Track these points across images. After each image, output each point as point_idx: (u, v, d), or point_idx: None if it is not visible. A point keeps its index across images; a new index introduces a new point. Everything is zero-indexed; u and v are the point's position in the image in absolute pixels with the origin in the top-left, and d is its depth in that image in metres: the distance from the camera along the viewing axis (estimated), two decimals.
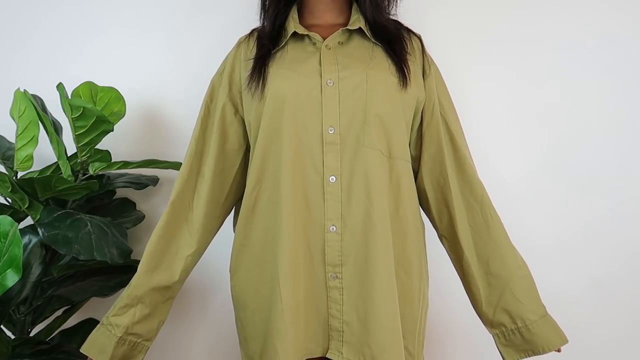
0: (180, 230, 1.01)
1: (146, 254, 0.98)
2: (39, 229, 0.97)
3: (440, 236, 1.06)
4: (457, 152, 1.03)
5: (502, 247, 1.00)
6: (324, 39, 0.98)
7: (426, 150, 1.03)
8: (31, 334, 1.14)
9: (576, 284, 1.34)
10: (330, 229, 0.92)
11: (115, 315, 0.95)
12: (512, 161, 1.36)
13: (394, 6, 1.06)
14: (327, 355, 0.94)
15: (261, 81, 0.96)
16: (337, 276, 0.93)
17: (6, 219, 0.81)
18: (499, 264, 1.00)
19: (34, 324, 1.13)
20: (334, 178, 0.93)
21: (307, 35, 0.98)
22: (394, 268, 0.93)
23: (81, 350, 0.96)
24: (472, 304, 1.03)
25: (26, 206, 1.04)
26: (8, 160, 1.14)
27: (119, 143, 1.28)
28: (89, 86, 1.09)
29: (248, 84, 0.98)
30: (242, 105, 1.02)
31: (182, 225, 1.02)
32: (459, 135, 1.04)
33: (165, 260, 0.99)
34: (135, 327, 0.96)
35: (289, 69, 0.96)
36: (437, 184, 1.03)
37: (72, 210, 1.05)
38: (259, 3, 1.06)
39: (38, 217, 1.00)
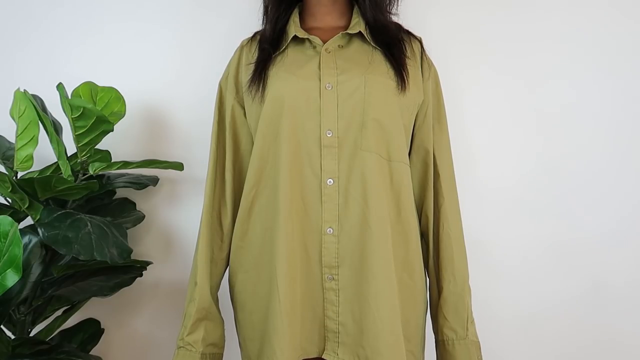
0: (216, 236, 1.04)
1: (200, 266, 1.00)
2: (39, 229, 0.97)
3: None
4: (439, 158, 1.04)
5: (444, 257, 1.02)
6: (325, 42, 0.98)
7: (415, 152, 1.04)
8: (31, 334, 1.14)
9: (576, 287, 1.34)
10: (327, 231, 0.93)
11: (190, 334, 0.97)
12: (510, 161, 1.35)
13: (395, 6, 1.06)
14: (323, 356, 0.94)
15: (261, 84, 0.97)
16: (333, 278, 0.93)
17: (6, 219, 0.81)
18: (439, 273, 1.02)
19: (34, 324, 1.13)
20: (332, 181, 0.93)
21: (307, 38, 0.99)
22: (398, 272, 0.94)
23: None
24: None
25: (26, 206, 1.04)
26: (8, 160, 1.14)
27: (119, 143, 1.28)
28: (89, 86, 1.09)
29: (249, 87, 0.99)
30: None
31: (219, 231, 1.04)
32: (444, 141, 1.06)
33: (213, 268, 1.02)
34: (210, 338, 0.98)
35: (288, 72, 0.96)
36: (421, 186, 1.05)
37: (72, 210, 1.05)
38: (261, 6, 1.06)
39: (38, 217, 1.00)
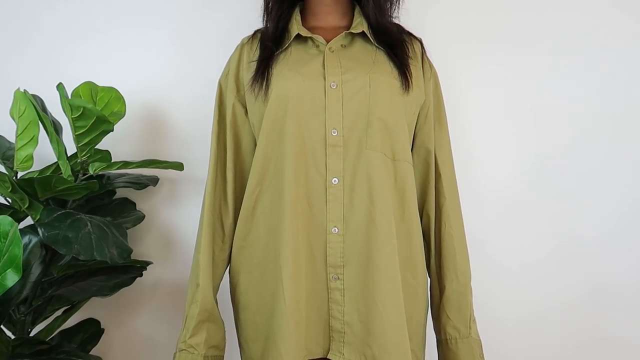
0: (218, 237, 1.03)
1: (202, 267, 0.98)
2: (39, 229, 0.96)
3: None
4: (439, 158, 1.05)
5: (446, 257, 1.02)
6: (327, 41, 0.98)
7: (416, 152, 1.05)
8: (31, 334, 1.14)
9: (576, 286, 1.34)
10: (332, 230, 0.93)
11: (192, 336, 0.96)
12: (510, 161, 1.36)
13: (396, 8, 1.06)
14: (328, 356, 0.94)
15: (264, 82, 0.96)
16: (338, 277, 0.93)
17: (6, 219, 0.81)
18: (441, 272, 1.03)
19: (34, 324, 1.13)
20: (337, 180, 0.93)
21: (311, 37, 0.99)
22: (401, 271, 0.94)
23: None
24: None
25: (26, 206, 1.03)
26: (8, 160, 1.14)
27: (119, 143, 1.28)
28: (89, 86, 1.09)
29: (251, 85, 0.98)
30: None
31: (220, 231, 1.03)
32: (445, 141, 1.06)
33: (214, 269, 1.01)
34: (212, 340, 0.98)
35: (293, 70, 0.96)
36: (422, 186, 1.05)
37: (72, 210, 1.05)
38: (262, 5, 1.06)
39: (38, 217, 1.00)
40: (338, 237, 0.93)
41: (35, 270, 1.00)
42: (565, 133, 1.35)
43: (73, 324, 1.25)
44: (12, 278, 0.79)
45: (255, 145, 1.01)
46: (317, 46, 0.98)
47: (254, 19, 1.09)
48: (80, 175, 1.13)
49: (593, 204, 1.34)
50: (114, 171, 1.20)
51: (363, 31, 1.00)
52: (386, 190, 0.93)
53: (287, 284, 0.90)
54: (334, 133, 0.93)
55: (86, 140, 1.09)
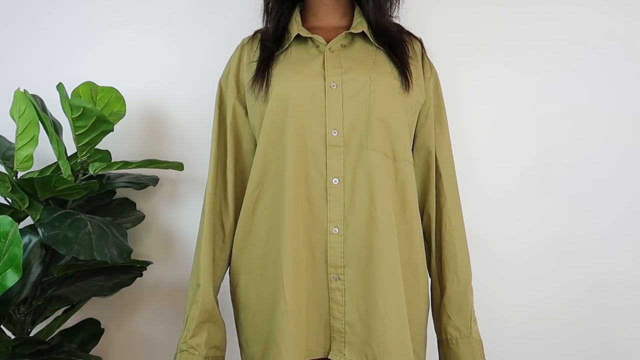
0: (218, 237, 1.03)
1: (202, 267, 0.98)
2: (39, 229, 0.96)
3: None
4: (440, 158, 1.05)
5: (446, 256, 1.02)
6: (327, 41, 0.98)
7: (417, 152, 1.05)
8: (31, 334, 1.14)
9: (576, 285, 1.34)
10: (333, 230, 0.93)
11: (193, 337, 0.95)
12: (509, 160, 1.36)
13: (396, 8, 1.06)
14: (329, 356, 0.94)
15: (265, 83, 0.96)
16: (339, 277, 0.93)
17: (6, 219, 0.81)
18: (441, 272, 1.03)
19: (34, 324, 1.13)
20: (337, 180, 0.93)
21: (311, 37, 0.99)
22: (402, 271, 0.94)
23: None
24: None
25: (26, 206, 1.03)
26: (8, 160, 1.14)
27: (119, 143, 1.28)
28: (89, 86, 1.09)
29: (252, 85, 0.98)
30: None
31: (220, 231, 1.03)
32: (445, 141, 1.06)
33: (215, 269, 1.01)
34: (212, 341, 0.97)
35: (293, 70, 0.96)
36: (423, 185, 1.05)
37: (72, 210, 1.05)
38: (262, 5, 1.06)
39: (38, 217, 1.00)
40: (339, 237, 0.93)
41: (35, 270, 1.00)
42: (565, 132, 1.35)
43: (73, 324, 1.25)
44: (12, 278, 0.79)
45: (256, 145, 1.01)
46: (317, 46, 0.98)
47: (254, 19, 1.09)
48: (80, 175, 1.13)
49: (594, 203, 1.35)
50: (114, 171, 1.20)
51: (363, 31, 1.00)
52: (387, 191, 0.93)
53: (288, 284, 0.90)
54: (334, 133, 0.93)
55: (86, 140, 1.09)
